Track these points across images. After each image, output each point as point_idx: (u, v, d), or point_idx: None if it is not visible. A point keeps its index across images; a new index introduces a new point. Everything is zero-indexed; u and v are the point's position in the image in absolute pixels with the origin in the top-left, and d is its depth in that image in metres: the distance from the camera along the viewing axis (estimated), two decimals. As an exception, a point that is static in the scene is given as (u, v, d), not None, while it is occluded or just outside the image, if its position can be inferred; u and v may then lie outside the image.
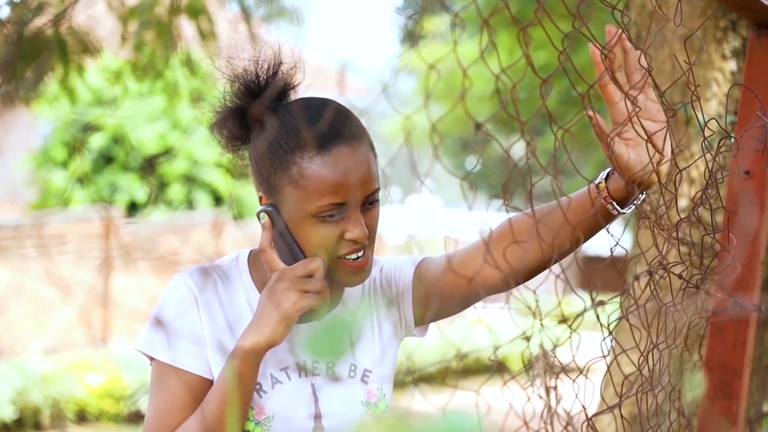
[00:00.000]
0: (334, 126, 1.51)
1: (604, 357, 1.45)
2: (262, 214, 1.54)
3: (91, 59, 4.65)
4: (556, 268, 1.33)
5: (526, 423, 1.26)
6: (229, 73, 1.57)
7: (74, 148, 13.48)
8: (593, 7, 1.31)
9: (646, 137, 1.44)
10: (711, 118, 1.77)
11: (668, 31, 3.04)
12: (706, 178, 1.70)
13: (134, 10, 4.85)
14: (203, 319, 1.56)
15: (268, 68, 1.57)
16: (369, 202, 1.53)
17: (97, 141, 13.77)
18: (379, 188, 1.53)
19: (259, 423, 1.55)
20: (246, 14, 5.22)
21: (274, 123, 1.53)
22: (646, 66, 1.45)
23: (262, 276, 1.60)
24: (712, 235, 1.78)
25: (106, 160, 13.95)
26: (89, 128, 13.93)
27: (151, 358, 1.56)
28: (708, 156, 1.69)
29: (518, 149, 1.29)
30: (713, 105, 3.02)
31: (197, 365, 1.54)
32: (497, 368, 1.23)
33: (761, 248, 1.90)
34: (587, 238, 1.51)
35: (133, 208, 13.84)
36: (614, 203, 1.48)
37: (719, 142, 1.74)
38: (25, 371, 9.24)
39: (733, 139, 1.84)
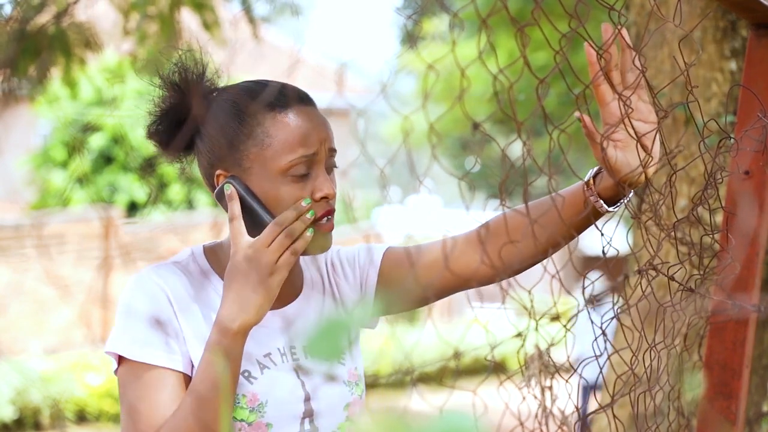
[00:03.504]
0: (287, 89, 1.54)
1: (596, 357, 1.46)
2: (227, 186, 1.51)
3: (93, 54, 4.65)
4: (551, 267, 1.34)
5: (521, 423, 1.26)
6: (156, 75, 1.58)
7: (74, 148, 13.48)
8: (591, 8, 1.31)
9: (636, 138, 1.44)
10: (710, 119, 1.77)
11: (668, 31, 3.05)
12: (705, 178, 1.70)
13: (136, 3, 4.85)
14: (177, 313, 1.52)
15: (197, 67, 1.57)
16: (331, 163, 1.55)
17: (97, 141, 13.78)
18: (336, 151, 1.56)
19: (254, 410, 1.52)
20: (248, 14, 5.22)
21: (225, 98, 1.54)
22: (640, 66, 1.45)
23: (223, 267, 1.58)
24: (711, 236, 1.78)
25: (106, 160, 13.96)
26: (89, 128, 13.94)
27: (122, 359, 1.51)
28: (708, 156, 1.70)
29: (517, 149, 1.29)
30: (713, 105, 3.01)
31: (175, 361, 1.50)
32: (494, 368, 1.23)
33: (761, 248, 1.90)
34: (578, 233, 1.52)
35: (133, 208, 13.85)
36: (602, 201, 1.49)
37: (719, 143, 1.74)
38: (25, 371, 9.24)
39: (732, 140, 1.84)
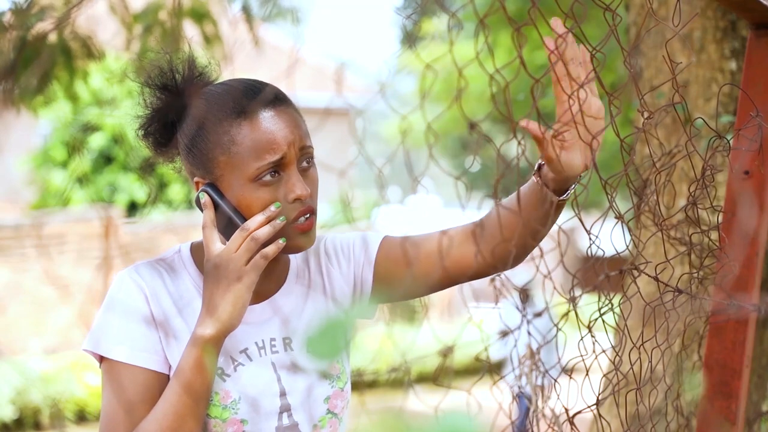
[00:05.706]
0: (257, 93, 1.52)
1: (582, 358, 1.46)
2: (201, 194, 1.53)
3: (95, 63, 4.65)
4: (543, 268, 1.34)
5: (512, 422, 1.27)
6: (144, 77, 1.58)
7: (74, 148, 13.48)
8: (588, 7, 1.31)
9: (584, 141, 1.43)
10: (697, 117, 1.77)
11: (669, 31, 3.05)
12: (696, 177, 1.70)
13: (138, 15, 4.85)
14: (154, 311, 1.53)
15: (184, 66, 1.57)
16: (305, 160, 1.54)
17: (97, 141, 13.77)
18: (312, 147, 1.55)
19: (226, 407, 1.52)
20: (248, 15, 5.22)
21: (199, 104, 1.54)
22: (588, 61, 1.43)
23: None
24: (707, 235, 1.78)
25: (106, 160, 13.96)
26: (89, 128, 13.93)
27: (102, 358, 1.53)
28: (704, 155, 1.70)
29: (516, 148, 1.29)
30: (713, 105, 3.01)
31: (152, 360, 1.51)
32: (489, 368, 1.24)
33: (760, 248, 1.90)
34: (544, 226, 1.51)
35: (132, 208, 13.84)
36: (551, 192, 1.48)
37: (710, 142, 1.74)
38: (25, 371, 9.24)
39: (725, 139, 1.84)
